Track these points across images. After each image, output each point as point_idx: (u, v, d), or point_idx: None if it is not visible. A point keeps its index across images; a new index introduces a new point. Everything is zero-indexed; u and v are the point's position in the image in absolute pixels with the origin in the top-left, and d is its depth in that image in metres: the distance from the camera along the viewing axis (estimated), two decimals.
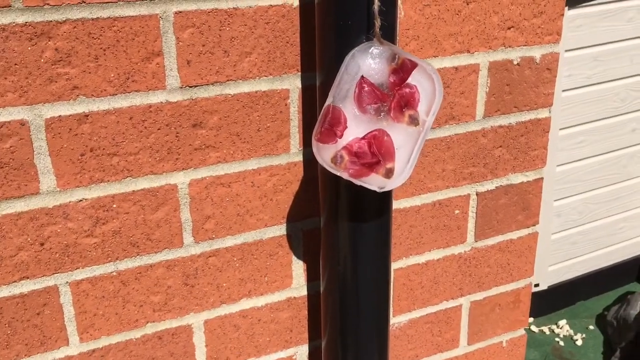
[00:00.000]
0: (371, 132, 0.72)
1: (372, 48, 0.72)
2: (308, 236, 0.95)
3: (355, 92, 0.72)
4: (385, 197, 0.83)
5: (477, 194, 1.06)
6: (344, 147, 0.72)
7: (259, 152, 0.87)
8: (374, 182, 0.73)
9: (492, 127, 1.02)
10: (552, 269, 2.25)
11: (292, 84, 0.86)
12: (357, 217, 0.83)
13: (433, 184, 1.01)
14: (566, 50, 1.94)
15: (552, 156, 2.01)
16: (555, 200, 2.13)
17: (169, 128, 0.81)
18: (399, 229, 1.01)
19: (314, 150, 0.73)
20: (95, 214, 0.80)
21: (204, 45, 0.79)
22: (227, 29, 0.80)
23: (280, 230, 0.92)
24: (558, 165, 2.10)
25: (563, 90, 1.98)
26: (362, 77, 0.71)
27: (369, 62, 0.72)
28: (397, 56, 0.72)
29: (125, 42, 0.75)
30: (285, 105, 0.86)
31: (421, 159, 0.99)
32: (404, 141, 0.73)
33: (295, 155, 0.89)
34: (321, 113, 0.72)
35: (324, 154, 0.73)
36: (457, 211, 1.05)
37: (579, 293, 2.34)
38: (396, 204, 1.00)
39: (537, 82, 1.03)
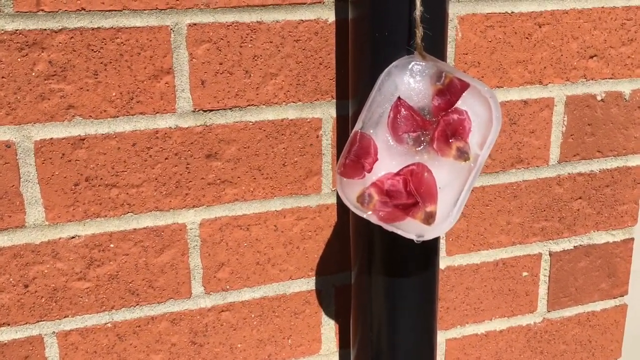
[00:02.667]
0: (408, 166, 0.58)
1: (413, 63, 0.58)
2: (341, 293, 0.80)
3: (389, 116, 0.58)
4: (430, 248, 0.68)
5: (550, 254, 0.89)
6: (374, 184, 0.58)
7: (284, 191, 0.74)
8: (410, 228, 0.59)
9: (569, 174, 0.86)
10: None
11: (326, 112, 0.74)
12: (395, 271, 0.68)
13: (495, 239, 0.85)
14: None
15: None
16: None
17: (178, 158, 0.70)
18: (452, 291, 0.85)
19: (337, 186, 0.59)
20: (89, 254, 0.69)
21: (221, 64, 0.69)
22: (250, 45, 0.69)
23: (307, 284, 0.79)
24: None
25: None
26: (399, 98, 0.58)
27: (407, 81, 0.59)
28: (443, 74, 0.59)
29: (129, 57, 0.66)
30: (317, 137, 0.74)
31: (481, 209, 0.83)
32: (450, 179, 0.59)
33: (327, 196, 0.76)
34: (347, 141, 0.59)
35: (349, 191, 0.59)
36: (525, 273, 0.88)
37: None
38: (449, 261, 0.84)
39: (626, 123, 0.86)
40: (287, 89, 0.71)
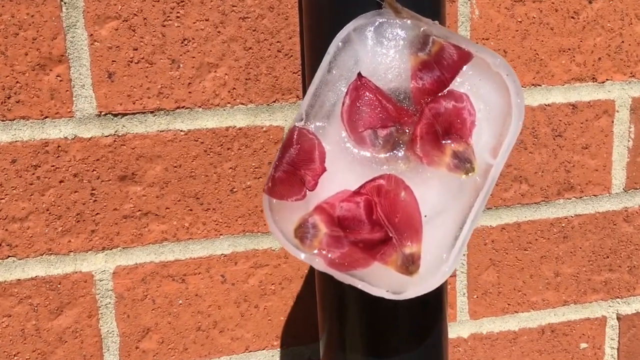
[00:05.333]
0: (373, 180, 0.37)
1: (380, 21, 0.38)
2: None
3: (344, 104, 0.38)
4: (432, 307, 0.46)
5: (618, 318, 0.64)
6: (319, 208, 0.37)
7: (234, 228, 0.54)
8: (378, 280, 0.37)
9: None
10: None
11: (289, 118, 0.54)
12: (378, 346, 0.46)
13: (539, 297, 0.62)
14: None
15: None
16: None
17: (79, 181, 0.51)
18: None
19: (265, 210, 0.38)
20: None
21: (136, 50, 0.50)
22: (176, 24, 0.50)
23: (272, 358, 0.57)
24: None
25: None
26: (360, 76, 0.38)
27: (373, 49, 0.38)
28: (430, 38, 0.38)
29: (3, 40, 0.48)
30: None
31: (516, 254, 0.60)
32: (444, 203, 0.37)
33: None
34: (281, 144, 0.39)
35: (282, 220, 0.38)
36: (583, 345, 0.64)
37: None
38: (475, 326, 0.61)
39: None
40: (232, 85, 0.52)
